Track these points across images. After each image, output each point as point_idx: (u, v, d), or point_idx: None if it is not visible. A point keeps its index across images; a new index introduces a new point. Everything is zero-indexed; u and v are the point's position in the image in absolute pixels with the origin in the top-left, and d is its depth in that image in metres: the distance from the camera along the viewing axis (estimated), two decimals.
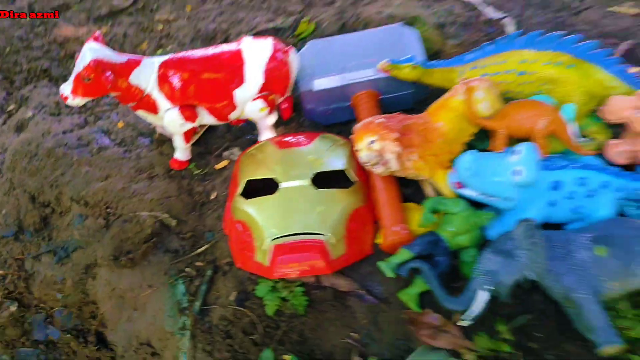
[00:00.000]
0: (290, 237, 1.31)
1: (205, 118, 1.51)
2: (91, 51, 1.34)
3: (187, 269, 1.42)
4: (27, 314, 1.55)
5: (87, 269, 1.51)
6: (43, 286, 1.53)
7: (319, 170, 1.38)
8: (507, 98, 1.41)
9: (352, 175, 1.41)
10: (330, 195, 1.36)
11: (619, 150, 1.39)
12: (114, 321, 1.43)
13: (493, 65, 1.42)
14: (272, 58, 1.45)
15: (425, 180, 1.41)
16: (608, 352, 1.10)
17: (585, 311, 1.13)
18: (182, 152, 1.60)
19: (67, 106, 1.89)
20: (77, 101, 1.38)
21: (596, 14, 2.08)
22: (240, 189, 1.41)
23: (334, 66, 1.57)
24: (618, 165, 1.39)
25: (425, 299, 1.29)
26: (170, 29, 2.22)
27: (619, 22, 2.02)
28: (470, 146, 1.39)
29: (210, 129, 1.73)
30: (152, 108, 1.45)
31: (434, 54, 1.81)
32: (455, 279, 1.32)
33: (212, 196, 1.56)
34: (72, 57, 2.21)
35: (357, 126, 1.33)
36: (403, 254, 1.29)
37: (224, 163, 1.63)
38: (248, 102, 1.48)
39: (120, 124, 1.77)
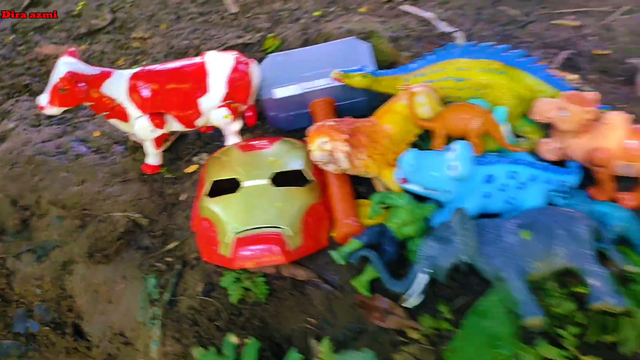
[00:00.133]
0: (251, 230, 1.42)
1: (174, 125, 1.61)
2: (66, 64, 1.45)
3: (157, 264, 1.51)
4: (8, 308, 1.63)
5: (64, 265, 1.59)
6: (23, 282, 1.62)
7: (278, 171, 1.50)
8: (448, 102, 1.54)
9: (309, 175, 1.53)
10: (288, 192, 1.47)
11: (549, 147, 1.52)
12: (89, 314, 1.52)
13: (433, 73, 1.55)
14: (234, 69, 1.57)
15: (375, 178, 1.53)
16: (531, 322, 1.22)
17: (512, 288, 1.24)
18: (153, 157, 1.70)
19: (47, 118, 1.99)
20: (53, 110, 1.48)
21: (540, 27, 2.23)
22: (206, 189, 1.52)
23: (292, 76, 1.68)
24: (549, 162, 1.52)
25: (376, 286, 1.40)
26: (146, 46, 2.33)
27: (560, 33, 2.17)
28: (414, 146, 1.51)
29: (181, 136, 1.84)
30: (124, 116, 1.55)
31: (388, 65, 1.94)
32: (403, 266, 1.43)
33: (182, 197, 1.66)
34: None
35: (310, 129, 1.45)
36: (353, 244, 1.40)
37: (193, 167, 1.74)
38: (212, 109, 1.59)
39: (97, 133, 1.87)
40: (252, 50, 2.20)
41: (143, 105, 1.52)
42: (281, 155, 1.55)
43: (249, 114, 1.71)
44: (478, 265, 1.30)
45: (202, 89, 1.56)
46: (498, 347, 1.19)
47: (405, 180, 1.42)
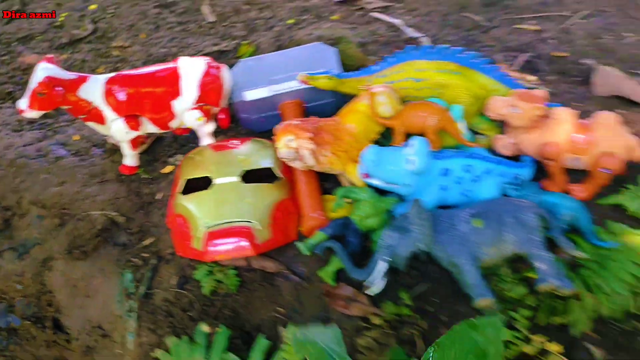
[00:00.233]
0: (221, 225, 1.48)
1: (149, 127, 1.68)
2: (44, 70, 1.51)
3: (134, 260, 1.57)
4: None
5: (44, 262, 1.64)
6: (5, 279, 1.67)
7: (248, 168, 1.56)
8: (408, 101, 1.62)
9: (278, 172, 1.59)
10: (257, 188, 1.53)
11: (503, 143, 1.60)
12: (68, 308, 1.57)
13: (394, 74, 1.62)
14: (206, 74, 1.63)
15: (340, 173, 1.60)
16: (481, 304, 1.29)
17: (465, 272, 1.31)
18: (130, 158, 1.76)
19: (28, 123, 2.05)
20: (33, 114, 1.54)
21: (503, 31, 2.32)
22: (180, 187, 1.58)
23: (263, 80, 1.75)
24: (505, 157, 1.60)
25: (341, 276, 1.46)
26: (125, 54, 2.40)
27: (521, 37, 2.26)
28: (377, 143, 1.59)
29: (158, 139, 1.90)
30: (100, 119, 1.61)
31: (356, 68, 2.01)
32: (367, 257, 1.50)
33: (158, 196, 1.72)
34: None
35: (277, 128, 1.52)
36: (318, 236, 1.46)
37: (169, 168, 1.80)
38: (186, 112, 1.66)
39: (76, 137, 1.93)
40: (228, 57, 2.27)
41: (118, 108, 1.58)
42: (251, 154, 1.62)
43: (222, 116, 1.77)
44: (434, 253, 1.37)
45: (175, 92, 1.62)
46: None
47: (367, 175, 1.49)
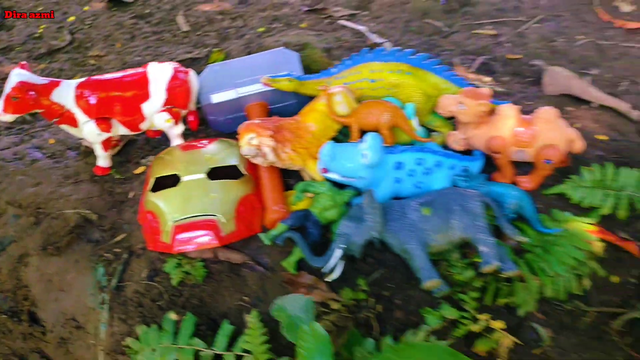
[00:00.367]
0: (188, 219, 1.55)
1: (120, 129, 1.75)
2: (17, 75, 1.58)
3: (106, 255, 1.63)
4: None
5: (20, 258, 1.70)
6: None
7: (214, 166, 1.64)
8: (364, 100, 1.71)
9: (243, 170, 1.67)
10: (222, 184, 1.61)
11: (455, 139, 1.69)
12: (43, 301, 1.63)
13: (351, 76, 1.71)
14: (173, 78, 1.71)
15: (301, 169, 1.68)
16: (428, 285, 1.37)
17: (414, 257, 1.40)
18: (103, 159, 1.82)
19: (6, 128, 2.11)
20: (7, 117, 1.60)
21: (462, 36, 2.42)
22: (150, 185, 1.65)
23: (229, 83, 1.83)
24: (458, 151, 1.69)
25: (302, 265, 1.54)
26: (101, 63, 2.47)
27: (479, 41, 2.37)
28: (336, 139, 1.67)
29: (132, 141, 1.97)
30: (73, 122, 1.68)
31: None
32: (327, 248, 1.57)
33: (130, 195, 1.78)
34: None
35: (240, 127, 1.60)
36: (279, 227, 1.54)
37: (141, 169, 1.86)
38: (155, 114, 1.73)
39: (52, 141, 1.99)
40: (200, 64, 2.34)
41: (89, 110, 1.65)
42: (217, 152, 1.69)
43: (191, 118, 1.85)
44: (386, 240, 1.45)
45: (144, 95, 1.70)
46: None
47: (325, 170, 1.57)
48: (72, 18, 2.93)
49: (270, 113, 1.84)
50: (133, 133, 1.78)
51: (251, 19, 2.70)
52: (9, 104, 1.58)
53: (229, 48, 2.39)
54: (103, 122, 1.68)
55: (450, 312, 1.41)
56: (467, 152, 1.69)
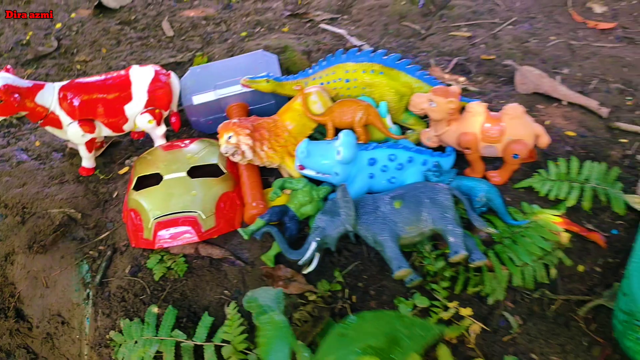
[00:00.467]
0: (169, 215, 1.60)
1: (103, 130, 1.79)
2: (2, 79, 1.62)
3: (90, 252, 1.67)
4: None
5: (6, 257, 1.73)
6: None
7: (194, 165, 1.68)
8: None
9: (223, 168, 1.72)
10: (202, 182, 1.65)
11: (428, 136, 1.74)
12: (29, 298, 1.66)
13: (327, 76, 1.76)
14: (154, 80, 1.76)
15: (279, 167, 1.73)
16: (399, 274, 1.42)
17: (386, 248, 1.44)
18: (87, 160, 1.87)
19: None
20: None
21: (438, 38, 2.48)
22: (133, 184, 1.70)
23: (209, 85, 1.88)
24: (431, 148, 1.75)
25: (281, 259, 1.58)
26: (87, 68, 2.51)
27: (454, 43, 2.43)
28: (314, 138, 1.72)
29: (116, 143, 2.02)
30: (57, 123, 1.72)
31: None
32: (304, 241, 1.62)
33: (114, 195, 1.82)
34: None
35: (219, 126, 1.64)
36: (257, 223, 1.59)
37: (125, 169, 1.91)
38: (137, 115, 1.78)
39: (37, 143, 2.04)
40: (183, 68, 2.40)
41: (72, 112, 1.70)
42: (198, 152, 1.74)
43: (173, 120, 1.89)
44: (360, 233, 1.50)
45: (127, 97, 1.74)
46: None
47: (302, 167, 1.62)
48: (59, 25, 2.97)
49: (250, 114, 1.89)
50: (116, 134, 1.83)
51: (234, 24, 2.76)
52: None
53: (212, 52, 2.45)
54: (86, 123, 1.73)
55: (421, 301, 1.46)
56: (441, 149, 1.75)
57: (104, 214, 1.77)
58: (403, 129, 1.84)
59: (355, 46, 2.41)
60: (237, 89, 1.85)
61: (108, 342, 1.51)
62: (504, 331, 1.43)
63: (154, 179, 1.67)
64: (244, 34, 2.62)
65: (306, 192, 1.61)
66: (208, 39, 2.64)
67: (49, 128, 1.75)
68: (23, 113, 1.68)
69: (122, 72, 1.78)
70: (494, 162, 1.73)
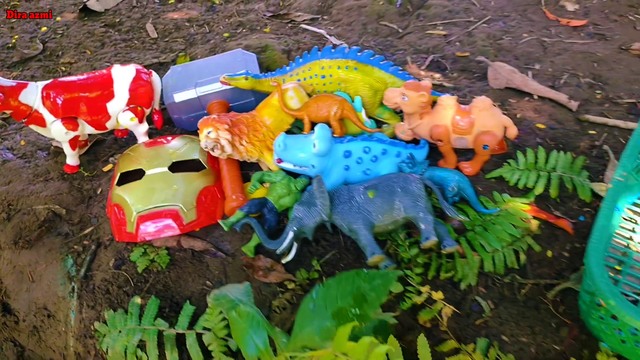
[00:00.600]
0: (151, 209, 1.63)
1: (87, 128, 1.82)
2: None
3: (75, 247, 1.70)
4: None
5: None
6: None
7: (176, 160, 1.72)
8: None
9: (204, 163, 1.76)
10: (184, 177, 1.69)
11: (402, 129, 1.79)
12: (15, 292, 1.69)
13: (303, 73, 1.81)
14: (136, 78, 1.80)
15: (259, 161, 1.77)
16: (373, 260, 1.46)
17: (360, 235, 1.49)
18: (71, 158, 1.90)
19: None
20: None
21: (415, 37, 2.53)
22: (116, 180, 1.73)
23: (190, 83, 1.92)
24: (406, 142, 1.79)
25: (260, 250, 1.62)
26: (72, 70, 2.54)
27: (430, 41, 2.48)
28: (291, 132, 1.76)
29: (100, 141, 2.05)
30: (41, 122, 1.75)
31: None
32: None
33: (98, 191, 1.85)
34: None
35: (199, 122, 1.68)
36: (237, 215, 1.63)
37: (109, 166, 1.94)
38: (120, 113, 1.81)
39: (23, 142, 2.07)
40: (166, 68, 2.43)
41: (55, 111, 1.73)
42: (179, 148, 1.78)
43: (156, 118, 1.93)
44: (336, 222, 1.54)
45: (109, 95, 1.78)
46: None
47: (280, 160, 1.66)
48: (44, 28, 2.99)
49: (230, 110, 1.92)
50: (100, 132, 1.86)
51: (217, 25, 2.80)
52: None
53: (194, 52, 2.48)
54: (70, 121, 1.76)
55: (396, 287, 1.50)
56: (416, 142, 1.79)
57: (89, 210, 1.80)
58: (379, 123, 1.89)
59: (334, 45, 2.45)
60: (217, 86, 1.88)
61: (93, 333, 1.54)
62: (476, 315, 1.48)
63: (137, 175, 1.70)
64: (226, 34, 2.66)
65: (284, 185, 1.65)
66: (191, 40, 2.67)
67: (33, 126, 1.78)
68: (7, 112, 1.71)
69: (104, 71, 1.81)
70: (466, 154, 1.78)
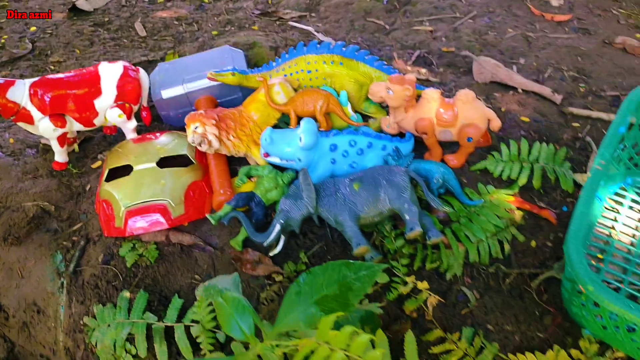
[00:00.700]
0: (139, 204, 1.64)
1: (74, 125, 1.82)
2: None
3: (64, 243, 1.69)
4: None
5: None
6: None
7: (163, 156, 1.72)
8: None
9: (192, 158, 1.76)
10: (171, 172, 1.69)
11: (388, 123, 1.80)
12: (5, 288, 1.69)
13: (289, 68, 1.81)
14: (123, 75, 1.79)
15: (246, 155, 1.78)
16: (358, 251, 1.47)
17: (346, 227, 1.50)
18: (60, 155, 1.89)
19: None
20: None
21: (402, 33, 2.54)
22: (104, 176, 1.73)
23: (178, 80, 1.92)
24: (392, 135, 1.80)
25: (248, 243, 1.63)
26: (60, 68, 2.53)
27: (417, 37, 2.49)
28: (277, 126, 1.77)
29: (89, 139, 2.05)
30: (29, 119, 1.75)
31: None
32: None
33: (87, 188, 1.85)
34: None
35: (186, 117, 1.69)
36: (225, 208, 1.63)
37: (98, 163, 1.93)
38: (107, 110, 1.81)
39: (12, 140, 2.06)
40: (155, 65, 2.42)
41: (43, 107, 1.72)
42: (167, 143, 1.78)
43: (144, 114, 1.93)
44: (322, 215, 1.55)
45: (97, 92, 1.78)
46: None
47: (267, 155, 1.67)
48: (33, 28, 2.98)
49: (217, 106, 1.93)
50: (88, 128, 1.86)
51: (206, 23, 2.80)
52: None
53: (183, 50, 2.48)
54: (58, 118, 1.76)
55: (382, 278, 1.52)
56: (402, 135, 1.81)
57: (77, 206, 1.80)
58: (365, 118, 1.90)
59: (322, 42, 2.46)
60: (204, 82, 1.89)
61: (82, 327, 1.54)
62: (462, 305, 1.49)
63: (125, 171, 1.71)
64: (215, 32, 2.66)
65: (271, 179, 1.66)
66: (180, 38, 2.67)
67: (21, 124, 1.77)
68: None
69: (92, 68, 1.81)
70: (451, 147, 1.79)
